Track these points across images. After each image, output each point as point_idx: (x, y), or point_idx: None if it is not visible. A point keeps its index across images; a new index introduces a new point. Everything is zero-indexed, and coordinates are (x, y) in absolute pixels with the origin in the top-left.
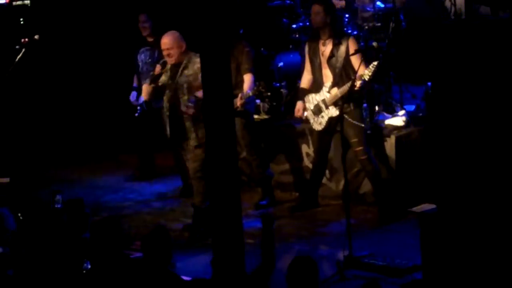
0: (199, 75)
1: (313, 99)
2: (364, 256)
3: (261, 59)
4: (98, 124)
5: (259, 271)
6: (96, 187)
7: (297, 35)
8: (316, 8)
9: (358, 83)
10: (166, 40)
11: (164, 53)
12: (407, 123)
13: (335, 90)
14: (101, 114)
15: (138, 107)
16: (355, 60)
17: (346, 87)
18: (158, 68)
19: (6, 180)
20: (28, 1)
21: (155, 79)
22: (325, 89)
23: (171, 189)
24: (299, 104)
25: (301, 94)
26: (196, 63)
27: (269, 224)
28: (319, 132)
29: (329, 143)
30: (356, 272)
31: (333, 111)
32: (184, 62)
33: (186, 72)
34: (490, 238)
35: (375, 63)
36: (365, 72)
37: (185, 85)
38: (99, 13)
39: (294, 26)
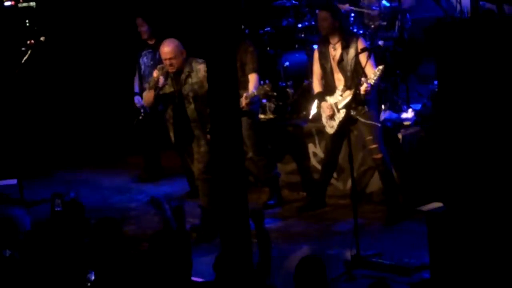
0: (205, 83)
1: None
2: (372, 255)
3: (267, 58)
4: (104, 126)
5: (257, 270)
6: (103, 189)
7: (302, 35)
8: (323, 15)
9: (364, 87)
10: (167, 50)
11: (166, 62)
12: (414, 121)
13: (347, 93)
14: (107, 115)
15: (141, 110)
16: (363, 59)
17: (356, 90)
18: (155, 73)
19: (13, 181)
20: (34, 3)
21: (157, 88)
22: (338, 92)
23: (177, 190)
24: (325, 105)
25: (320, 97)
26: (200, 71)
27: (260, 220)
28: (331, 135)
29: (340, 146)
30: (364, 272)
31: (344, 115)
32: (186, 70)
33: (190, 80)
34: (498, 236)
35: (381, 67)
36: (370, 76)
37: (190, 94)
38: (103, 15)
39: (299, 25)
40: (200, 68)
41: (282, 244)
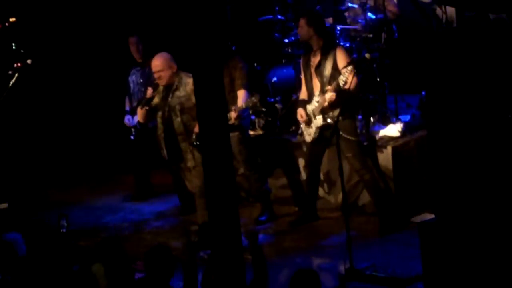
0: (192, 96)
1: (306, 111)
2: (366, 267)
3: (255, 74)
4: (95, 145)
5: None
6: (95, 208)
7: (289, 49)
8: (300, 22)
9: (329, 96)
10: (157, 63)
11: (155, 75)
12: (403, 133)
13: (323, 99)
14: (97, 135)
15: (133, 129)
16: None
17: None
18: (149, 91)
19: (5, 205)
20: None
21: (147, 101)
22: (315, 98)
23: (170, 208)
24: (300, 110)
25: (301, 102)
26: (187, 84)
27: (255, 240)
28: (309, 143)
29: (319, 154)
30: (358, 284)
31: (319, 121)
32: (175, 83)
33: (177, 93)
34: (489, 246)
35: (349, 67)
36: (340, 77)
37: (177, 107)
38: (91, 36)
39: (286, 40)
40: (188, 82)
41: (275, 258)
